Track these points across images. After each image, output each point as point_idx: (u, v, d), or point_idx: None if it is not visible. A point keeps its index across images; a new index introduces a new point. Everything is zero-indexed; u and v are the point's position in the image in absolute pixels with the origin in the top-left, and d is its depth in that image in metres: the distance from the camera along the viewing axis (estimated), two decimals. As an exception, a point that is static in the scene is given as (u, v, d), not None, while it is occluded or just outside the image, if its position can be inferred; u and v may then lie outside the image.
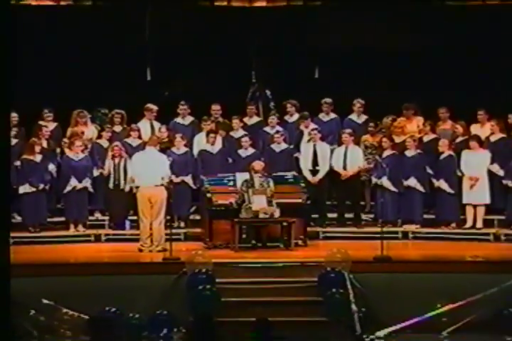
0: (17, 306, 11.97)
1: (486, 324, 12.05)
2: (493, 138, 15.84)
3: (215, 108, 16.34)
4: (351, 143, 15.92)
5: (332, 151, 16.04)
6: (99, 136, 16.21)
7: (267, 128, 16.37)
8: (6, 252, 5.45)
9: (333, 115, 16.65)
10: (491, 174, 15.57)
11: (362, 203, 16.31)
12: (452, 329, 12.08)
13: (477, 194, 15.47)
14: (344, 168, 15.92)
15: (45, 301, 12.21)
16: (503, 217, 15.53)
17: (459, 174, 15.55)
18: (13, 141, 15.54)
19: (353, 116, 16.72)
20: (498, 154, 15.58)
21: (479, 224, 15.47)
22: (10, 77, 5.40)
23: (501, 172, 15.47)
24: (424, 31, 16.76)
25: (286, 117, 16.58)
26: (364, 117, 16.70)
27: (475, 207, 15.52)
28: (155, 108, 16.29)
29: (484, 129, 16.01)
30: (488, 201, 15.52)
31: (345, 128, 16.28)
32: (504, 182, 15.41)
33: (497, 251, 14.21)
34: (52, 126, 16.35)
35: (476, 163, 15.44)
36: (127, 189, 15.43)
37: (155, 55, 16.22)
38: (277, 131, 16.10)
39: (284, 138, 16.10)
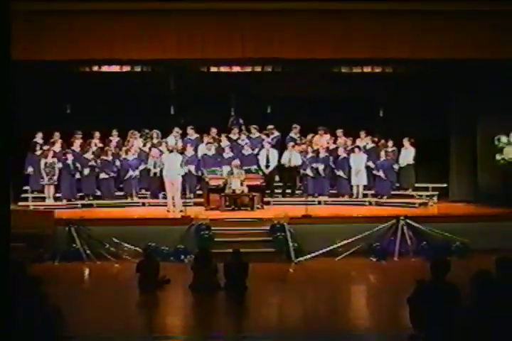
0: (97, 242, 12.46)
1: (363, 252, 12.42)
2: (367, 147, 16.03)
3: (213, 130, 16.26)
4: (292, 150, 15.79)
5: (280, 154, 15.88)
6: (144, 145, 16.10)
7: (239, 141, 16.15)
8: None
9: (276, 133, 16.46)
10: (367, 167, 15.65)
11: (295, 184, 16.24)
12: (345, 255, 12.29)
13: (359, 179, 15.59)
14: (289, 163, 15.72)
15: (114, 239, 12.39)
16: (373, 192, 15.72)
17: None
18: (94, 148, 15.78)
19: (292, 134, 16.46)
20: (371, 156, 15.71)
21: (360, 196, 15.65)
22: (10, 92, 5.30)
23: (373, 166, 15.63)
24: (326, 86, 16.73)
25: (251, 135, 16.39)
26: (297, 134, 16.49)
27: (357, 186, 15.68)
28: (180, 131, 16.16)
29: (363, 142, 16.16)
30: (365, 182, 15.63)
31: (288, 142, 16.07)
32: (373, 172, 15.63)
33: (370, 211, 14.55)
34: (116, 139, 16.29)
35: (359, 161, 15.58)
36: (157, 172, 15.23)
37: (176, 99, 16.14)
38: (246, 143, 15.96)
39: (252, 147, 15.97)
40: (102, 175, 15.57)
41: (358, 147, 15.82)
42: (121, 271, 11.55)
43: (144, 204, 15.55)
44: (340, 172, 15.80)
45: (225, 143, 16.15)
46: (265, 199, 15.29)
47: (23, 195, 15.52)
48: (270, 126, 16.46)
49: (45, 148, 15.55)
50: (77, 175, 15.52)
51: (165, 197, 14.90)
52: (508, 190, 14.71)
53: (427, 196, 15.49)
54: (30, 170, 15.41)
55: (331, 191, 15.94)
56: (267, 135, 16.36)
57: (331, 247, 12.39)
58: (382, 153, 15.64)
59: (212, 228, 12.64)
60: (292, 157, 15.84)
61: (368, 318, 8.89)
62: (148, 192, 15.82)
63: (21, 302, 5.82)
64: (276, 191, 16.14)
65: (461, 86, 15.70)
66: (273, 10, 13.10)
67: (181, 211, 13.85)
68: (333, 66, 15.45)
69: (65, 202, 15.24)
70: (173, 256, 12.27)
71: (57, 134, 15.85)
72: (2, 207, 5.38)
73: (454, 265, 6.50)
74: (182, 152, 15.53)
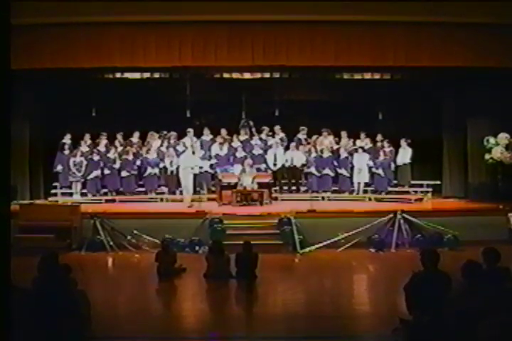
0: (120, 234, 12.51)
1: (363, 243, 12.43)
2: (366, 147, 15.99)
3: (223, 131, 16.31)
4: (294, 150, 15.88)
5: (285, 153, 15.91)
6: (162, 146, 16.07)
7: (252, 141, 16.21)
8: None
9: (281, 134, 16.42)
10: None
11: (300, 181, 16.21)
12: (346, 246, 12.29)
13: (362, 176, 15.60)
14: (292, 162, 15.79)
15: (135, 231, 12.44)
16: (372, 188, 15.77)
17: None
18: (119, 149, 15.92)
19: (300, 135, 16.50)
20: (371, 156, 15.72)
21: (361, 192, 15.65)
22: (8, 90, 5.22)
23: (372, 165, 15.67)
24: (329, 91, 16.78)
25: (261, 136, 16.44)
26: (304, 136, 16.53)
27: (359, 183, 15.67)
28: (192, 130, 16.23)
29: (363, 142, 16.15)
30: (367, 180, 15.64)
31: (294, 142, 16.14)
32: (373, 170, 15.65)
33: (369, 206, 14.42)
34: (136, 140, 16.37)
35: (362, 160, 15.61)
36: (174, 170, 15.23)
37: (191, 103, 15.96)
38: (256, 144, 16.02)
39: (261, 147, 16.00)
40: (124, 173, 15.65)
41: (362, 148, 15.80)
42: (141, 261, 11.57)
43: (161, 199, 15.55)
44: (342, 171, 15.80)
45: (236, 143, 16.17)
46: (273, 195, 15.25)
47: (52, 191, 15.71)
48: (277, 127, 16.48)
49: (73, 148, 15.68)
50: (102, 173, 15.64)
51: (181, 194, 14.93)
52: (496, 187, 14.77)
53: (422, 192, 15.54)
54: (59, 168, 15.55)
55: (333, 188, 15.92)
56: (273, 136, 16.40)
57: (334, 239, 12.39)
58: (381, 153, 15.66)
59: (225, 221, 12.62)
60: (294, 157, 15.83)
61: (366, 304, 8.88)
62: (166, 189, 15.79)
63: (54, 286, 5.90)
64: (283, 188, 16.11)
65: (452, 91, 15.86)
66: (280, 21, 13.14)
67: (189, 206, 13.81)
68: (336, 73, 15.50)
69: (90, 197, 15.37)
70: (189, 247, 12.29)
71: (85, 135, 16.00)
72: (2, 206, 5.28)
73: (446, 255, 6.56)
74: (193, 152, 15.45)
